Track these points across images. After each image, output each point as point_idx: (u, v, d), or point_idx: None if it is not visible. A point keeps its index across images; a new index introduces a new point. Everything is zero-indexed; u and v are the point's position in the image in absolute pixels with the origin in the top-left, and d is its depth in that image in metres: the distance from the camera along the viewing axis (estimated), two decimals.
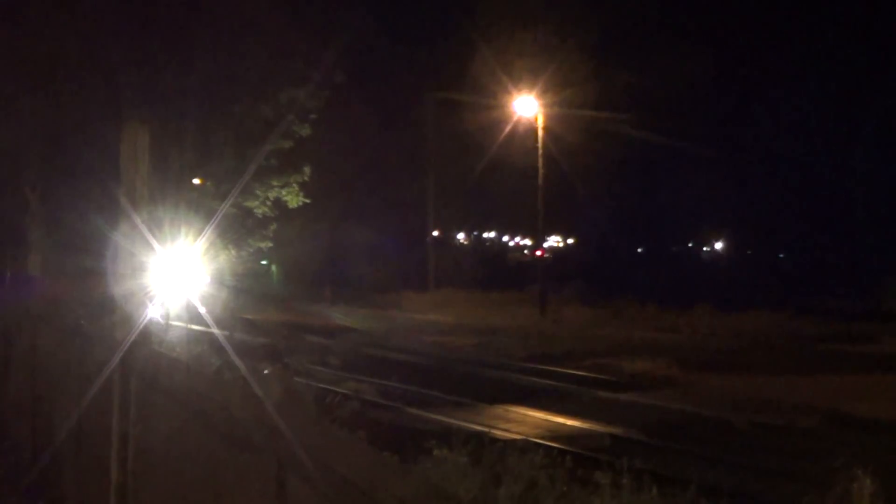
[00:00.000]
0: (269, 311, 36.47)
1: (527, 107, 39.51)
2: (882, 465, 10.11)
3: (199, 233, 23.99)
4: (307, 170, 28.96)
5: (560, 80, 39.80)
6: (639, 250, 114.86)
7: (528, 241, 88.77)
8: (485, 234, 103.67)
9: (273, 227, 29.62)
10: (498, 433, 14.58)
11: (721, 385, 20.89)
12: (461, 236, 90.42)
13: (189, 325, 13.58)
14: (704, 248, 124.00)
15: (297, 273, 48.64)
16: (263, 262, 41.76)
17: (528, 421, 16.76)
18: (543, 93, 39.31)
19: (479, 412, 17.54)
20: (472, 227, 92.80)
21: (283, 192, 28.69)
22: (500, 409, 17.84)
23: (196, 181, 27.49)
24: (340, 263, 52.75)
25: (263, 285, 42.54)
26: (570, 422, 16.59)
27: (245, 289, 31.95)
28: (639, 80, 54.23)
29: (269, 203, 28.63)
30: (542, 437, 14.83)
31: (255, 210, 28.44)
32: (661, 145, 67.26)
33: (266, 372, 3.99)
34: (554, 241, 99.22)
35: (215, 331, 13.32)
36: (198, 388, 4.13)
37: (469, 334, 31.38)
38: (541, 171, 38.82)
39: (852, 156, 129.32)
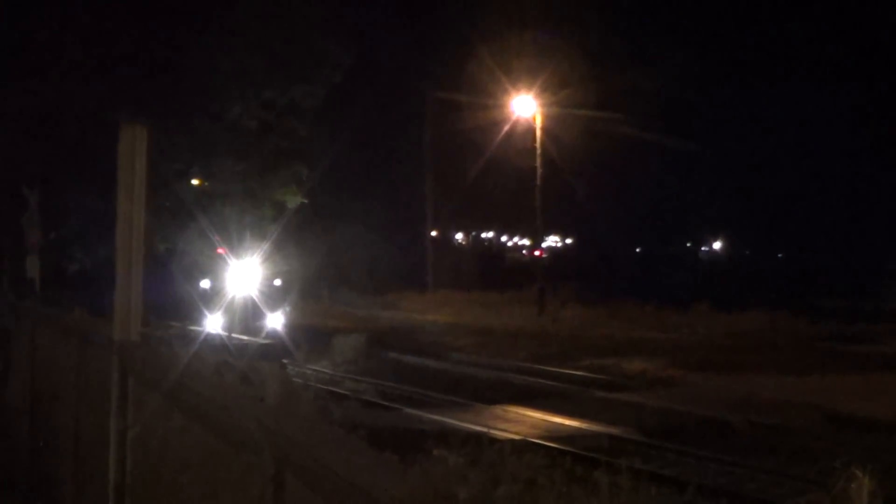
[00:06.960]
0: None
1: (525, 107, 39.49)
2: (881, 466, 10.11)
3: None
4: (304, 170, 28.94)
5: (558, 80, 39.82)
6: (637, 250, 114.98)
7: (526, 241, 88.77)
8: (483, 234, 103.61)
9: (271, 226, 29.58)
10: (497, 433, 14.61)
11: (719, 385, 20.87)
12: (460, 236, 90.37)
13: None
14: (703, 248, 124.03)
15: (294, 273, 48.57)
16: None
17: (527, 421, 16.76)
18: (542, 93, 39.30)
19: (477, 412, 17.55)
20: (471, 227, 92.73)
21: (282, 192, 28.68)
22: (498, 410, 17.85)
23: (195, 182, 27.49)
24: (338, 263, 52.69)
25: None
26: (568, 422, 16.59)
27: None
28: (637, 79, 54.21)
29: (266, 203, 28.62)
30: (541, 438, 14.84)
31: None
32: (659, 145, 67.34)
33: (265, 371, 3.99)
34: (552, 241, 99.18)
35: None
36: (196, 388, 4.13)
37: (467, 334, 31.37)
38: (539, 170, 38.81)
39: (852, 156, 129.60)
